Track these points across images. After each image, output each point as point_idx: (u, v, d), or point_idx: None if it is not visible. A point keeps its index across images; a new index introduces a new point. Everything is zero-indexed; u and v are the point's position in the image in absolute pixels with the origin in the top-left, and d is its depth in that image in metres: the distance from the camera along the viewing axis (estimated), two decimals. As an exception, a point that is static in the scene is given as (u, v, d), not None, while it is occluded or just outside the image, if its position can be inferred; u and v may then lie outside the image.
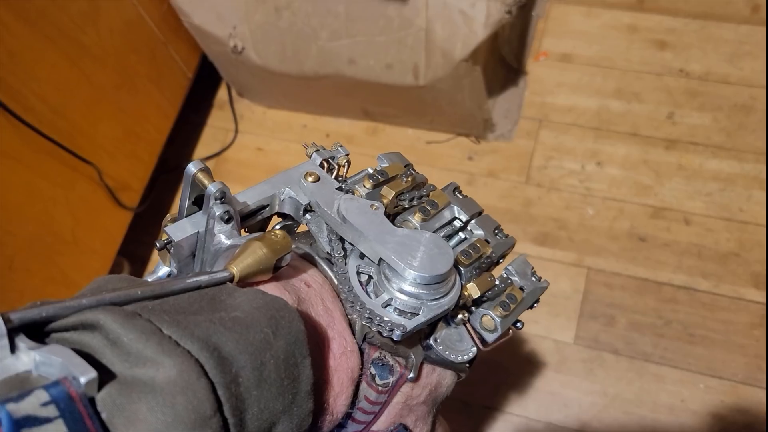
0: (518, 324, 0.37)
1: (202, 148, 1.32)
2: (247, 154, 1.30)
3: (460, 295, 0.32)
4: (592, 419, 0.98)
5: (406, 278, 0.30)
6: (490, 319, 0.34)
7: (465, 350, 0.34)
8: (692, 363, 0.98)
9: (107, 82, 1.02)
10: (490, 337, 0.34)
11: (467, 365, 0.35)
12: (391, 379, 0.31)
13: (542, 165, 1.15)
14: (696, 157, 1.11)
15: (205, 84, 1.33)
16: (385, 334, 0.29)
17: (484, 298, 0.35)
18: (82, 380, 0.19)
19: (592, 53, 1.22)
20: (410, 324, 0.29)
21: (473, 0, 0.93)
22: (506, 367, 1.03)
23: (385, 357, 0.31)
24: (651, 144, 1.13)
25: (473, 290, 0.34)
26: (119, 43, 1.03)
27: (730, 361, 0.98)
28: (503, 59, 1.20)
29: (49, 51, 0.90)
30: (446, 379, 0.35)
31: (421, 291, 0.30)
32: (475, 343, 0.34)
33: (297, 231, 0.37)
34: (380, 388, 0.31)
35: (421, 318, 0.30)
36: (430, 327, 0.33)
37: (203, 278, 0.27)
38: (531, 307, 0.38)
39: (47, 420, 0.18)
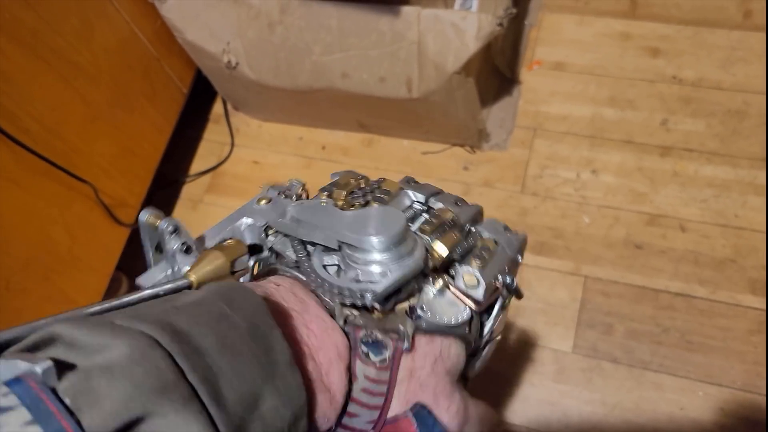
0: (515, 285, 0.36)
1: (199, 162, 1.33)
2: (243, 167, 1.30)
3: (429, 257, 0.32)
4: (592, 429, 0.98)
5: (366, 248, 0.30)
6: (469, 274, 0.33)
7: (458, 312, 0.33)
8: (691, 370, 0.98)
9: (102, 100, 1.03)
10: (477, 293, 0.33)
11: (467, 330, 0.34)
12: (387, 354, 0.30)
13: (537, 174, 1.15)
14: (690, 164, 1.11)
15: (200, 99, 1.34)
16: (359, 303, 0.29)
17: (457, 258, 0.34)
18: (38, 369, 0.19)
19: (585, 61, 1.22)
20: (379, 286, 0.29)
21: (464, 13, 0.93)
22: (505, 377, 1.03)
23: (372, 333, 0.30)
24: (645, 151, 1.13)
25: (440, 248, 0.33)
26: (113, 61, 1.04)
27: (728, 368, 0.98)
28: (497, 69, 1.20)
29: (43, 72, 0.90)
30: (452, 347, 0.34)
31: (383, 256, 0.30)
32: (467, 305, 0.34)
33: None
34: (378, 363, 0.30)
35: (390, 278, 0.30)
36: (416, 300, 0.33)
37: (161, 288, 0.27)
38: (516, 262, 0.37)
39: (9, 408, 0.18)
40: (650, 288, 1.04)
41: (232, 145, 1.32)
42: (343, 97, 1.08)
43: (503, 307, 0.38)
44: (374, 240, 0.30)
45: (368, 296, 0.29)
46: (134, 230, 1.15)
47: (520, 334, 1.05)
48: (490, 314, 0.37)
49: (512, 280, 0.36)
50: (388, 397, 0.30)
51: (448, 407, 0.32)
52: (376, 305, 0.29)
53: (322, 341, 0.29)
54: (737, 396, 0.96)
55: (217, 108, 1.37)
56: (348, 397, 0.29)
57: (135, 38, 1.08)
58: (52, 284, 0.97)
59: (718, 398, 0.96)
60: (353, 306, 0.30)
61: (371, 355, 0.30)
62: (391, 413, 0.30)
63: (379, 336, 0.30)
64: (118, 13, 1.03)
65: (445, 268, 0.34)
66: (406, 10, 0.94)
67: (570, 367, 1.02)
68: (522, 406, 1.01)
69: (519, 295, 0.38)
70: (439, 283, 0.33)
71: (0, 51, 0.83)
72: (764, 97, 1.13)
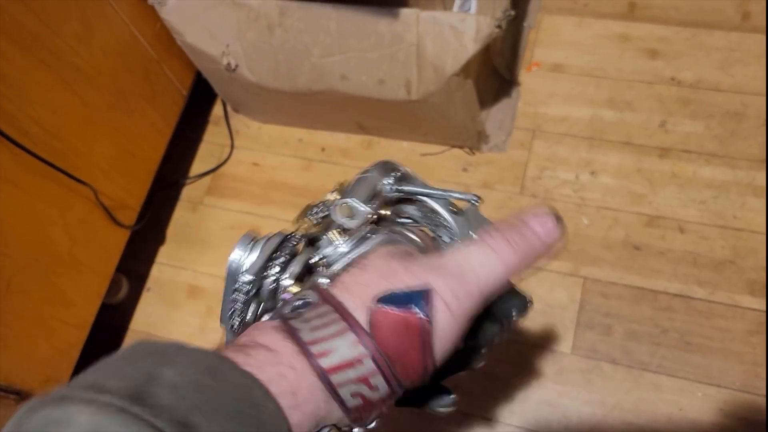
0: (407, 189, 0.37)
1: (198, 164, 1.33)
2: (243, 169, 1.30)
3: (295, 235, 0.34)
4: (592, 430, 0.98)
5: (238, 268, 0.33)
6: (339, 207, 0.34)
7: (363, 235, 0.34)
8: (690, 371, 0.99)
9: (102, 102, 1.03)
10: (359, 213, 0.34)
11: (384, 237, 0.34)
12: (313, 298, 0.29)
13: (536, 175, 1.15)
14: (689, 165, 1.11)
15: (200, 100, 1.34)
16: (245, 288, 0.31)
17: (328, 211, 0.36)
18: None
19: (583, 63, 1.22)
20: (249, 259, 0.32)
21: (463, 15, 0.94)
22: (505, 379, 1.03)
23: (290, 302, 0.30)
24: (644, 152, 1.13)
25: (295, 220, 0.36)
26: (113, 63, 1.04)
27: (727, 369, 0.98)
28: (495, 71, 1.20)
29: (43, 74, 0.91)
30: (376, 248, 0.32)
31: (252, 256, 0.33)
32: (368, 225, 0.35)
33: None
34: (310, 307, 0.29)
35: (256, 253, 0.33)
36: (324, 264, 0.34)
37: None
38: (395, 179, 0.38)
39: None
40: (649, 289, 1.04)
41: (232, 146, 1.32)
42: (342, 99, 1.09)
43: (456, 213, 0.38)
44: (233, 253, 0.33)
45: (243, 277, 0.31)
46: (134, 232, 1.15)
47: (520, 336, 1.05)
48: (451, 230, 0.37)
49: (399, 185, 0.37)
50: (345, 315, 0.28)
51: (412, 273, 0.29)
52: (250, 278, 0.32)
53: (248, 331, 0.30)
54: (736, 397, 0.96)
55: (217, 110, 1.37)
56: (304, 347, 0.28)
57: (135, 41, 1.09)
58: (53, 285, 0.97)
59: (717, 399, 0.96)
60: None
61: (301, 309, 0.29)
62: (365, 325, 0.28)
63: (303, 296, 0.30)
64: (117, 16, 1.04)
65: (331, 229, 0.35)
66: (405, 12, 0.94)
67: (569, 368, 1.02)
68: (521, 407, 1.01)
69: (471, 199, 0.37)
70: (335, 234, 0.34)
71: (0, 54, 0.83)
72: (763, 98, 1.13)
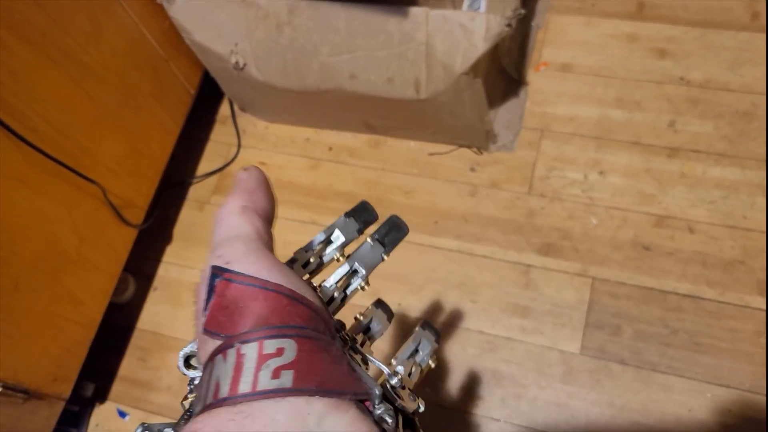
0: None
1: (205, 164, 1.33)
2: (249, 168, 1.30)
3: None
4: (600, 430, 0.98)
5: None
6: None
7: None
8: (699, 372, 0.98)
9: (110, 100, 1.03)
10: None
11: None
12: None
13: (544, 175, 1.15)
14: (698, 165, 1.11)
15: (207, 100, 1.34)
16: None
17: None
18: None
19: (592, 63, 1.22)
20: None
21: (473, 13, 0.93)
22: (513, 379, 1.03)
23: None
24: (653, 152, 1.13)
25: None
26: (121, 61, 1.04)
27: (736, 369, 0.97)
28: (504, 70, 1.20)
29: (51, 72, 0.91)
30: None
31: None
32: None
33: None
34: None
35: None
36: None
37: None
38: None
39: None
40: (658, 289, 1.04)
41: (239, 146, 1.32)
42: (350, 98, 1.08)
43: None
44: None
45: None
46: (141, 231, 1.15)
47: (528, 336, 1.05)
48: None
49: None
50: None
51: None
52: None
53: None
54: (745, 397, 0.96)
55: (224, 109, 1.37)
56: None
57: (143, 39, 1.09)
58: (60, 284, 0.97)
59: (726, 400, 0.96)
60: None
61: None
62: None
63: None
64: (126, 14, 1.03)
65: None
66: (415, 10, 0.94)
67: (578, 369, 1.01)
68: (530, 408, 1.01)
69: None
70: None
71: (9, 50, 0.83)
72: (772, 98, 1.13)
